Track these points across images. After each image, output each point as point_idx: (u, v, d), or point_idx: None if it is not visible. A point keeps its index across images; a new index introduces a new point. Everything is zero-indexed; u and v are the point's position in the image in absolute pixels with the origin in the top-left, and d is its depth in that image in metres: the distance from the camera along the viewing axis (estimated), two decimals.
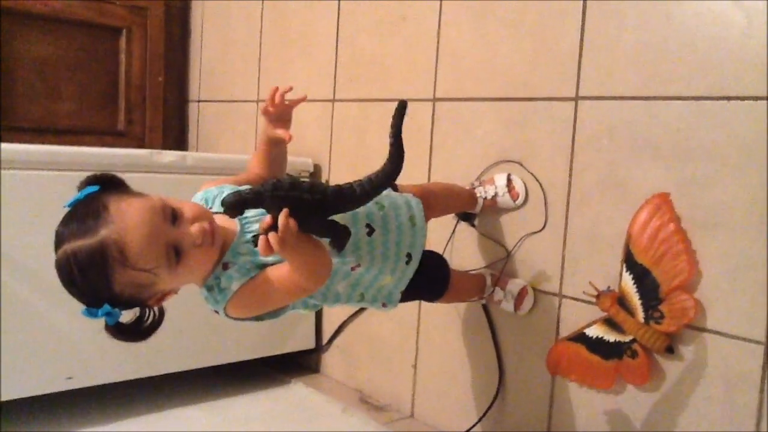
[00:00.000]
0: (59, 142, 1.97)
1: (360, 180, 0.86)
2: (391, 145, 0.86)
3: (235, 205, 0.83)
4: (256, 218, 0.97)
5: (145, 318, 0.94)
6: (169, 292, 0.94)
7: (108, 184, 0.92)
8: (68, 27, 2.23)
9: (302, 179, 0.84)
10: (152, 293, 0.91)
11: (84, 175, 0.92)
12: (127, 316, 0.92)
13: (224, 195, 1.03)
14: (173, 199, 0.92)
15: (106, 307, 0.85)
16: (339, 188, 0.85)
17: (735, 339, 1.13)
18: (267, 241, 0.82)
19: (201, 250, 0.90)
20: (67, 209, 0.89)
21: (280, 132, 1.09)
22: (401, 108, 0.85)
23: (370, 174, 0.85)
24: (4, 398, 1.43)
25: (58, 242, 0.86)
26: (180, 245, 0.88)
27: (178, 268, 0.89)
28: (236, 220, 0.98)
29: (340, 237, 0.88)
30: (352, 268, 1.08)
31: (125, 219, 0.85)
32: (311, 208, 0.83)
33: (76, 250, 0.83)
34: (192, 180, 1.62)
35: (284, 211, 0.81)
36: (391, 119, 0.86)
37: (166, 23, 2.45)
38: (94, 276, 0.84)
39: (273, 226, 0.82)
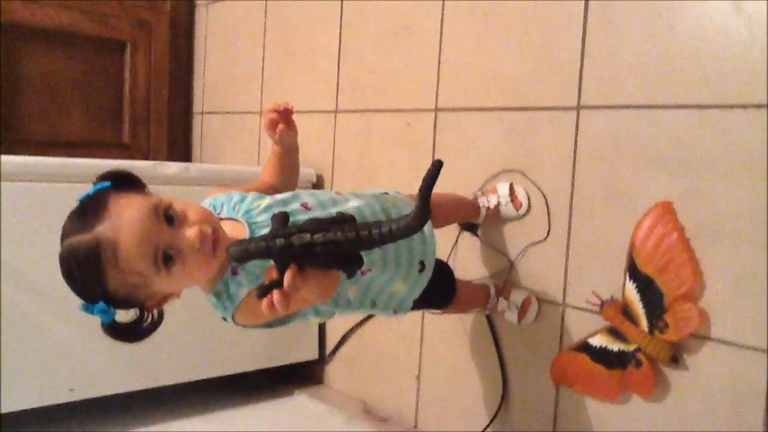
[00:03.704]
0: (65, 156, 1.97)
1: (380, 227, 0.79)
2: (418, 202, 0.83)
3: (239, 256, 0.78)
4: (266, 222, 0.95)
5: (144, 320, 0.90)
6: (169, 296, 0.92)
7: (121, 181, 0.89)
8: (73, 41, 2.24)
9: (315, 231, 0.77)
10: (148, 295, 0.88)
11: (87, 186, 0.89)
12: (126, 316, 0.89)
13: (233, 200, 1.02)
14: (180, 201, 0.89)
15: (101, 305, 0.83)
16: (357, 239, 0.78)
17: (740, 348, 1.13)
18: (271, 299, 0.76)
19: (200, 256, 0.87)
20: (77, 203, 0.87)
21: (280, 128, 1.12)
22: (436, 168, 0.78)
23: (392, 222, 0.81)
24: (6, 410, 1.43)
25: (63, 236, 0.85)
26: (173, 249, 0.85)
27: (171, 272, 0.86)
28: (245, 224, 0.96)
29: (352, 267, 0.83)
30: (362, 273, 1.07)
31: (120, 218, 0.83)
32: (323, 254, 0.78)
33: (75, 245, 0.82)
34: (196, 191, 1.62)
35: (291, 271, 0.76)
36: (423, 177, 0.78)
37: (171, 37, 2.46)
38: (90, 273, 0.82)
39: (279, 281, 0.76)
